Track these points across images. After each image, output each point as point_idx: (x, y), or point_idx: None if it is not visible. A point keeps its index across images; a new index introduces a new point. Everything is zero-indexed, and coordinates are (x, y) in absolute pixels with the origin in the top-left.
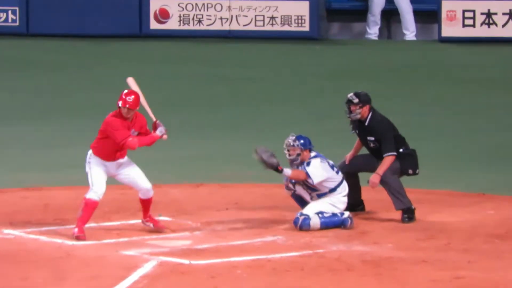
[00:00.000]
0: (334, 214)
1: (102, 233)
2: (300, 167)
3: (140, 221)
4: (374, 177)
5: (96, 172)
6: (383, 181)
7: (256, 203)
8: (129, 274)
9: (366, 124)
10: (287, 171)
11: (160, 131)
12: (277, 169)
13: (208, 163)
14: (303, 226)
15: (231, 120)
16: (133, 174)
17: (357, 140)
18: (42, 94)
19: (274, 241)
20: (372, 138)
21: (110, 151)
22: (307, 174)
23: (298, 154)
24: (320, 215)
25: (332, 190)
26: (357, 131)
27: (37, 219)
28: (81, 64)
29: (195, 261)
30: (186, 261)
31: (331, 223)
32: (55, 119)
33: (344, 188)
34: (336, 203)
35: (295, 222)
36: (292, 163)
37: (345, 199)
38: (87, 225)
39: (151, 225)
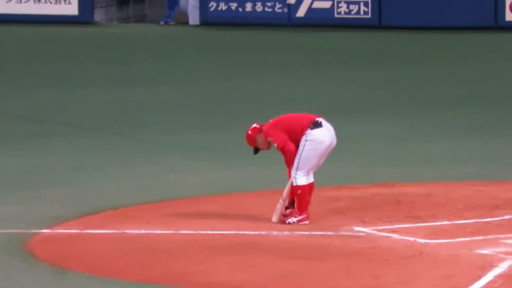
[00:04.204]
0: None
1: (455, 231)
2: None
3: (496, 218)
4: None
5: None
6: None
7: None
8: (484, 274)
9: None
10: None
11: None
12: None
13: None
14: None
15: None
16: None
17: None
18: (391, 86)
19: None
20: None
21: None
22: None
23: None
24: None
25: None
26: None
27: (388, 216)
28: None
29: None
30: None
31: None
32: (406, 112)
33: None
34: None
35: None
36: None
37: None
38: (443, 223)
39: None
